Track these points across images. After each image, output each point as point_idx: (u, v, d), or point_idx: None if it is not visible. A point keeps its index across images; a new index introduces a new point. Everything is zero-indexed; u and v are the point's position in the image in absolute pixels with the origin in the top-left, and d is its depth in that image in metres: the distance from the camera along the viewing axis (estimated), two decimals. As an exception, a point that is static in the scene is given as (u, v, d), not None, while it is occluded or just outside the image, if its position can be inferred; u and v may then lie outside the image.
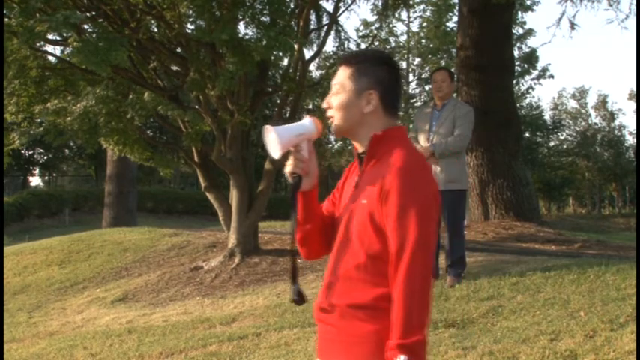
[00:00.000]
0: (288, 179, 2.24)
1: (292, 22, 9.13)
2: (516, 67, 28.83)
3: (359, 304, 2.12)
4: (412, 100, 33.38)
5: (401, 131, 2.25)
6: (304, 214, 2.28)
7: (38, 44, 9.01)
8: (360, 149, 2.26)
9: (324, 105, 2.28)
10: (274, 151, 2.21)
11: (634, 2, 13.18)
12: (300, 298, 2.26)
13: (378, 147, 2.19)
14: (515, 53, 29.12)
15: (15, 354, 6.88)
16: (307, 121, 2.25)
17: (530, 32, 32.24)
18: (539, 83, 41.42)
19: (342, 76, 2.24)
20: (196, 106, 9.43)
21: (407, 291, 2.01)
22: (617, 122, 50.79)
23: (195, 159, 10.16)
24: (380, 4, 15.33)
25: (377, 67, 2.24)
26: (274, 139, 2.18)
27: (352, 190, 2.24)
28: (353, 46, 17.52)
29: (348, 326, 2.13)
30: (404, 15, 30.54)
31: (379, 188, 2.10)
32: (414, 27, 32.49)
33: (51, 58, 9.98)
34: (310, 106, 20.63)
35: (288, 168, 2.23)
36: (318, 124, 2.24)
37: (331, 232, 2.28)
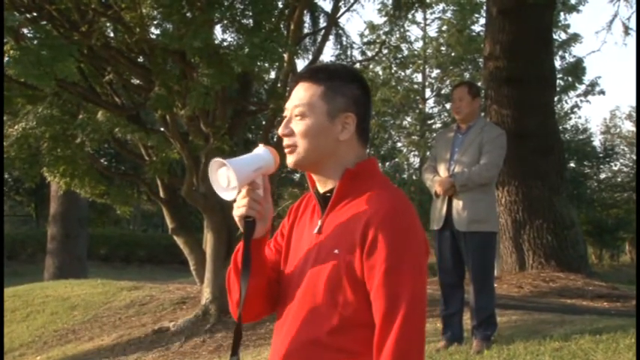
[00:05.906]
0: (238, 224, 2.18)
1: (281, 26, 9.21)
2: (558, 81, 29.00)
3: None
4: (429, 122, 33.45)
5: (375, 164, 2.25)
6: (253, 266, 2.19)
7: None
8: (324, 186, 2.22)
9: (281, 132, 2.21)
10: (228, 191, 2.14)
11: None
12: None
13: (351, 185, 2.17)
14: (557, 64, 29.37)
15: None
16: (263, 151, 2.20)
17: (575, 38, 32.43)
18: (587, 101, 41.53)
19: (309, 95, 2.19)
20: (162, 129, 9.47)
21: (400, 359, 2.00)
22: (683, 149, 50.87)
23: (161, 194, 10.19)
24: (390, 3, 15.48)
25: (350, 85, 2.22)
26: (232, 176, 2.10)
27: (313, 237, 2.20)
28: (357, 54, 17.58)
29: None
30: (419, 17, 30.77)
31: (360, 236, 2.07)
32: (432, 31, 32.70)
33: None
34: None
35: (241, 210, 2.15)
36: (275, 155, 2.19)
37: (276, 288, 2.25)
